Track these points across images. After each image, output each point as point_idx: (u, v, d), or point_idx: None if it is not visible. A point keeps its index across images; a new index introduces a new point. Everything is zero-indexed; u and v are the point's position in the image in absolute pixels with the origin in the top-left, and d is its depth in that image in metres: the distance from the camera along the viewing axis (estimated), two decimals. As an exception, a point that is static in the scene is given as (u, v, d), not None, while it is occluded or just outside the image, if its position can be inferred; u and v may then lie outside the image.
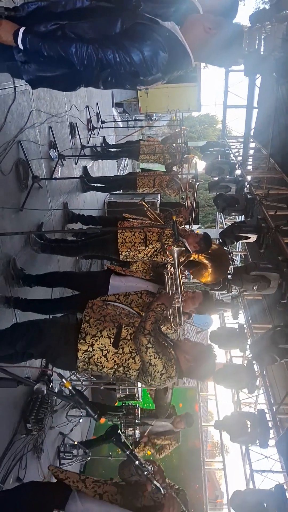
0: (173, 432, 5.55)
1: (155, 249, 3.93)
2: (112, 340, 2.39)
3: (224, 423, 5.12)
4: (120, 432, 1.85)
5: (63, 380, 1.58)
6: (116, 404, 5.71)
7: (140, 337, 2.29)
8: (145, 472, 1.86)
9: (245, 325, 6.26)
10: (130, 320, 2.56)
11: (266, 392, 5.07)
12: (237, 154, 8.37)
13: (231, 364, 6.31)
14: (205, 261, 4.29)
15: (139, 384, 5.11)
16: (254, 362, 5.50)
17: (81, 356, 2.38)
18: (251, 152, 8.39)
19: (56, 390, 3.83)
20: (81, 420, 5.26)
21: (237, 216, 7.68)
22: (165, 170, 6.72)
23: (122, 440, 1.85)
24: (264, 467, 6.03)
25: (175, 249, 2.52)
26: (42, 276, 3.83)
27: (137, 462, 1.85)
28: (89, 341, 2.39)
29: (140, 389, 5.21)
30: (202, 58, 1.84)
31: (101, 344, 2.38)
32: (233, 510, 4.13)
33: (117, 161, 11.06)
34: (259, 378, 5.81)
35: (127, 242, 3.84)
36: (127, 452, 1.86)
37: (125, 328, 2.47)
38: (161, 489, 1.89)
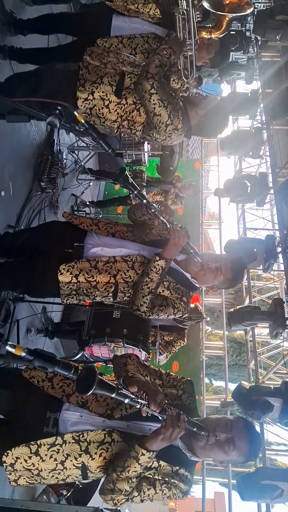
0: (178, 196, 5.92)
1: None
2: (114, 88, 2.21)
3: (224, 187, 5.41)
4: (128, 174, 1.88)
5: (75, 112, 1.54)
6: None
7: (143, 82, 2.12)
8: (153, 210, 1.99)
9: (259, 91, 5.87)
10: (134, 69, 2.32)
11: (270, 154, 5.14)
12: None
13: (239, 130, 6.21)
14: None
15: (146, 149, 5.17)
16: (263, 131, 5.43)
17: (81, 106, 2.24)
18: None
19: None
20: (91, 184, 5.58)
21: None
22: None
23: (130, 181, 1.84)
24: (257, 226, 6.67)
25: None
26: (34, 20, 3.34)
27: (145, 201, 1.92)
28: (89, 88, 2.20)
29: (146, 155, 5.31)
30: None
31: (102, 92, 2.21)
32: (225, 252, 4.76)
33: None
34: (264, 146, 5.84)
35: None
36: (135, 192, 1.89)
37: (128, 76, 2.25)
38: (167, 223, 2.00)
